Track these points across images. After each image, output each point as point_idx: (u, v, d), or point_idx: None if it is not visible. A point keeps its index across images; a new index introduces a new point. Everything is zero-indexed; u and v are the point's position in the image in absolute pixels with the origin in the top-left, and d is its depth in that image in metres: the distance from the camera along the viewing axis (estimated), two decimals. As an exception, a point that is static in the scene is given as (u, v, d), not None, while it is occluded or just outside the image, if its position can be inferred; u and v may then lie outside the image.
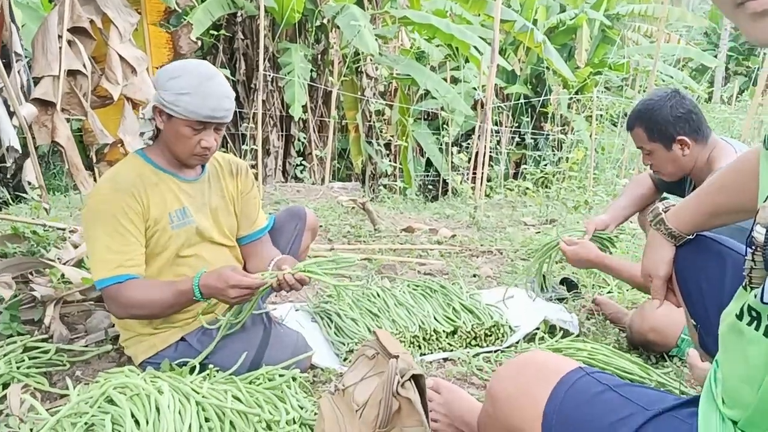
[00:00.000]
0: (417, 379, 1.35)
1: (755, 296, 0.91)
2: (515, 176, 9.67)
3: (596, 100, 7.94)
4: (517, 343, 2.42)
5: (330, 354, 2.33)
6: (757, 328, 0.91)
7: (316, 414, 1.58)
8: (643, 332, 2.24)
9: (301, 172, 6.55)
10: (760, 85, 4.63)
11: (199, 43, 2.57)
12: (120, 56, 2.22)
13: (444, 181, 9.00)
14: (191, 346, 2.02)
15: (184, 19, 5.83)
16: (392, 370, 1.31)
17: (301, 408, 1.58)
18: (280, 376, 1.69)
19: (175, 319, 2.03)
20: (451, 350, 2.37)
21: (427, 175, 9.04)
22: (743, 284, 1.01)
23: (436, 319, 2.45)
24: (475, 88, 8.86)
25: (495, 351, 2.39)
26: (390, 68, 7.98)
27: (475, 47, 7.91)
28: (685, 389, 1.87)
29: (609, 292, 3.14)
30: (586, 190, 7.22)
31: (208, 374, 1.79)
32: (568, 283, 3.10)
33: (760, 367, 0.90)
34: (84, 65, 2.27)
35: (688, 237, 1.43)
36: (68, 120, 2.39)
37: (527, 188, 5.75)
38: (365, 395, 1.34)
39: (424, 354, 2.34)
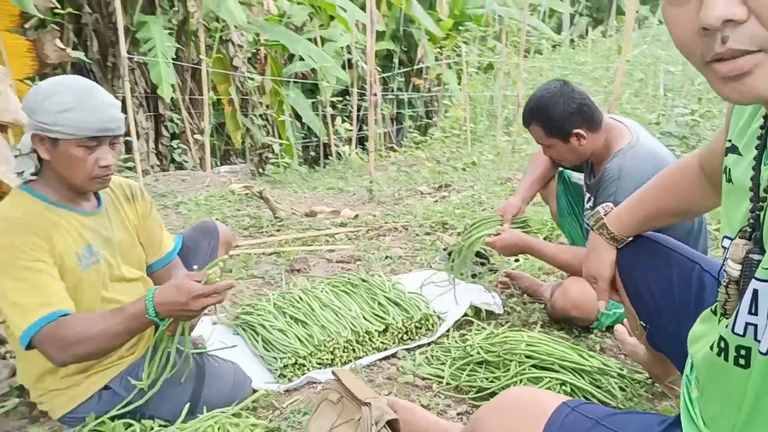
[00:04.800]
0: (391, 423, 1.32)
1: (726, 326, 0.96)
2: (394, 135, 9.76)
3: (465, 54, 8.08)
4: (448, 332, 2.46)
5: (262, 370, 2.24)
6: (726, 359, 0.96)
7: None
8: (566, 309, 2.36)
9: (180, 155, 6.13)
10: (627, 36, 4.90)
11: (68, 49, 2.25)
12: (-24, 75, 1.90)
13: (324, 144, 8.89)
14: (117, 394, 1.84)
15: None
16: (367, 422, 1.27)
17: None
18: (236, 425, 1.58)
19: (95, 365, 1.84)
20: (385, 348, 2.36)
21: (307, 141, 8.86)
22: (715, 312, 1.06)
23: (366, 319, 2.42)
24: (342, 48, 8.70)
25: (428, 343, 2.41)
26: (256, 34, 7.62)
27: (341, 6, 7.76)
28: (626, 366, 2.01)
29: (516, 260, 3.26)
30: (466, 145, 7.43)
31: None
32: (479, 256, 3.17)
33: (736, 395, 0.96)
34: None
35: (629, 239, 1.49)
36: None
37: (419, 157, 5.77)
38: (344, 449, 1.30)
39: (359, 357, 2.31)
